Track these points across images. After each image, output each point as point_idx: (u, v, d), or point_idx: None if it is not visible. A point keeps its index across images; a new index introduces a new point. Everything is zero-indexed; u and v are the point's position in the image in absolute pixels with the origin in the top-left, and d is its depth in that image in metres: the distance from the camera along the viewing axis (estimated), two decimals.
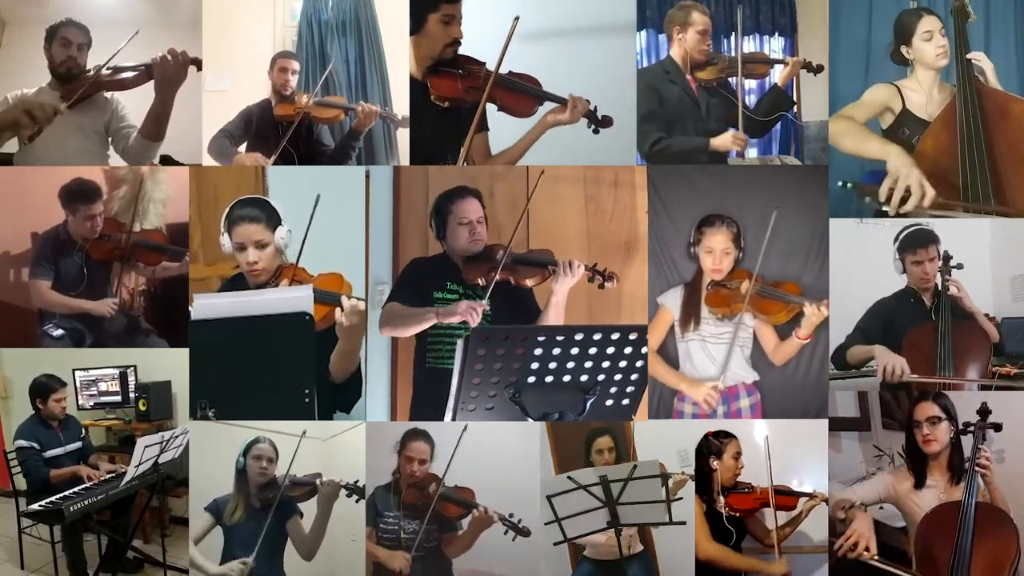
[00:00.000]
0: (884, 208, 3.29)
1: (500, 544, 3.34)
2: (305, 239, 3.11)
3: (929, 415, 3.19)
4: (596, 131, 3.33)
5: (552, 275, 3.27)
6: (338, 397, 3.22)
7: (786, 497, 3.33)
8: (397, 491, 3.41)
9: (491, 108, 3.32)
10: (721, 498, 3.34)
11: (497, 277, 3.22)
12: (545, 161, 3.46)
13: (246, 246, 3.14)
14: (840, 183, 3.35)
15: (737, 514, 3.34)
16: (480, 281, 3.26)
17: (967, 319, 3.45)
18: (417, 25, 3.17)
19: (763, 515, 3.40)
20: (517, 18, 3.14)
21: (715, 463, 3.34)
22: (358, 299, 3.05)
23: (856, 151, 3.41)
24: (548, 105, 3.32)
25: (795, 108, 3.71)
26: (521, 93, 3.29)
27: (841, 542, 3.09)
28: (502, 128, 3.39)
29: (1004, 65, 3.51)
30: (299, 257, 3.14)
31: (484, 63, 3.25)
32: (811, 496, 3.33)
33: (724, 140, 3.49)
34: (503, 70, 3.24)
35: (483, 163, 3.39)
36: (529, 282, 3.30)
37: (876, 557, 3.04)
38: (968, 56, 3.39)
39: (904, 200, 3.26)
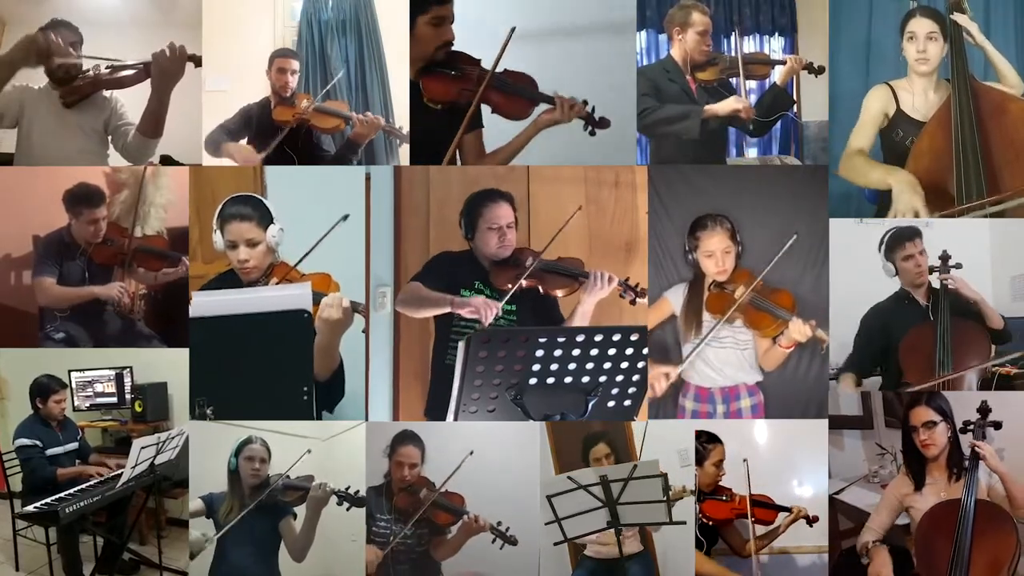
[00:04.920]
0: None
1: (490, 549, 3.32)
2: (314, 247, 3.11)
3: (925, 420, 3.17)
4: (592, 133, 3.25)
5: (581, 286, 3.26)
6: (322, 396, 3.16)
7: (765, 510, 3.28)
8: (389, 494, 3.38)
9: (485, 110, 3.28)
10: (696, 504, 3.29)
11: (524, 284, 3.22)
12: (546, 161, 3.46)
13: (237, 244, 3.13)
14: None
15: (711, 523, 3.31)
16: (509, 286, 3.24)
17: (969, 311, 3.42)
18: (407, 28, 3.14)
19: (741, 522, 3.35)
20: (513, 28, 3.10)
21: (695, 469, 3.30)
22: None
23: (864, 183, 3.52)
24: (544, 106, 3.26)
25: (795, 107, 3.70)
26: (515, 96, 3.22)
27: None
28: (499, 123, 3.32)
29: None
30: (300, 260, 3.13)
31: (479, 61, 3.19)
32: (790, 511, 3.29)
33: (726, 105, 3.45)
34: (498, 68, 3.18)
35: (476, 161, 3.34)
36: (558, 292, 3.30)
37: None
38: (952, 17, 3.39)
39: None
